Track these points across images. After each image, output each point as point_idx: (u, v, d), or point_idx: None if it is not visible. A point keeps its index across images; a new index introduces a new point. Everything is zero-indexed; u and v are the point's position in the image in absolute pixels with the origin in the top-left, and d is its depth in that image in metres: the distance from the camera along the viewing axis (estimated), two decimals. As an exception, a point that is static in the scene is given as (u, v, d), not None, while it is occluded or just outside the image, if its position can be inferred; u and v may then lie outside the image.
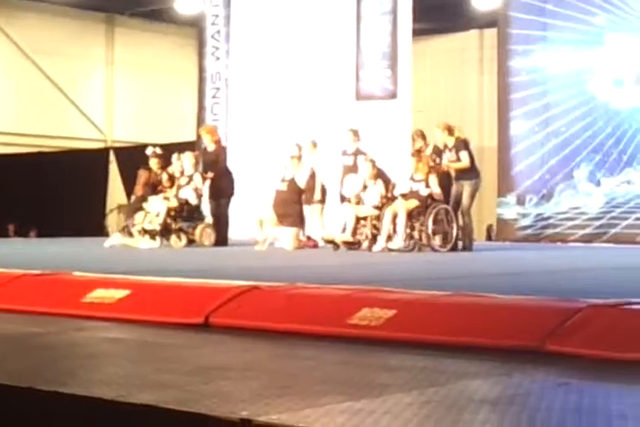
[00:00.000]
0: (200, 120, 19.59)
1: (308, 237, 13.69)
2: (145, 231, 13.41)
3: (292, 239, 13.02)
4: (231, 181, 14.43)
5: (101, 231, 21.42)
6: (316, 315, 4.43)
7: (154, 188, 14.10)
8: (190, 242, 13.43)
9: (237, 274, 6.72)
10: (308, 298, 4.75)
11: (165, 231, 13.39)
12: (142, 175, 14.44)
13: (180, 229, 13.46)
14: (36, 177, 22.81)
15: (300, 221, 13.29)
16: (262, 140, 18.14)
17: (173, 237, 13.37)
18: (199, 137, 14.49)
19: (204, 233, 13.44)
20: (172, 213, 13.42)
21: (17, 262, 7.78)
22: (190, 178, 13.75)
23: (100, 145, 25.91)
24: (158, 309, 4.81)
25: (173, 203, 13.47)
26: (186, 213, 13.53)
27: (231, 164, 18.82)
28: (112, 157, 23.05)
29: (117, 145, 25.15)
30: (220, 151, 14.39)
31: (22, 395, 2.98)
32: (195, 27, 21.92)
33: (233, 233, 18.41)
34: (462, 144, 12.55)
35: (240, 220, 17.79)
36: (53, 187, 22.51)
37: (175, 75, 26.89)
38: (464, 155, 12.45)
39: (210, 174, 13.89)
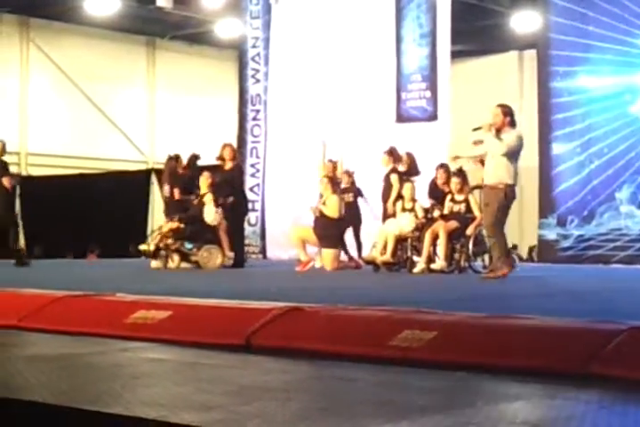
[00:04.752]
0: (240, 142, 19.65)
1: (350, 258, 13.67)
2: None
3: (331, 260, 13.02)
4: (246, 202, 14.52)
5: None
6: (357, 336, 4.42)
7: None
8: (194, 263, 13.11)
9: (278, 295, 6.73)
10: (349, 319, 4.75)
11: (163, 251, 13.11)
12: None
13: (178, 250, 13.09)
14: (78, 198, 22.92)
15: (339, 242, 13.28)
16: (302, 162, 18.16)
17: (176, 257, 13.08)
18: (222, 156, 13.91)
19: (208, 254, 13.08)
20: (170, 234, 13.05)
21: (61, 282, 7.84)
22: (202, 197, 13.36)
23: (142, 166, 26.08)
24: (199, 330, 4.82)
25: (175, 223, 13.15)
26: (189, 233, 13.09)
27: (270, 185, 18.97)
28: (153, 178, 23.16)
29: (159, 167, 25.31)
30: (237, 170, 14.12)
31: (66, 414, 3.01)
32: (234, 49, 22.08)
33: (272, 252, 18.50)
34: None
35: (280, 239, 17.83)
36: (95, 208, 22.62)
37: (215, 97, 27.09)
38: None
39: (230, 199, 13.47)
